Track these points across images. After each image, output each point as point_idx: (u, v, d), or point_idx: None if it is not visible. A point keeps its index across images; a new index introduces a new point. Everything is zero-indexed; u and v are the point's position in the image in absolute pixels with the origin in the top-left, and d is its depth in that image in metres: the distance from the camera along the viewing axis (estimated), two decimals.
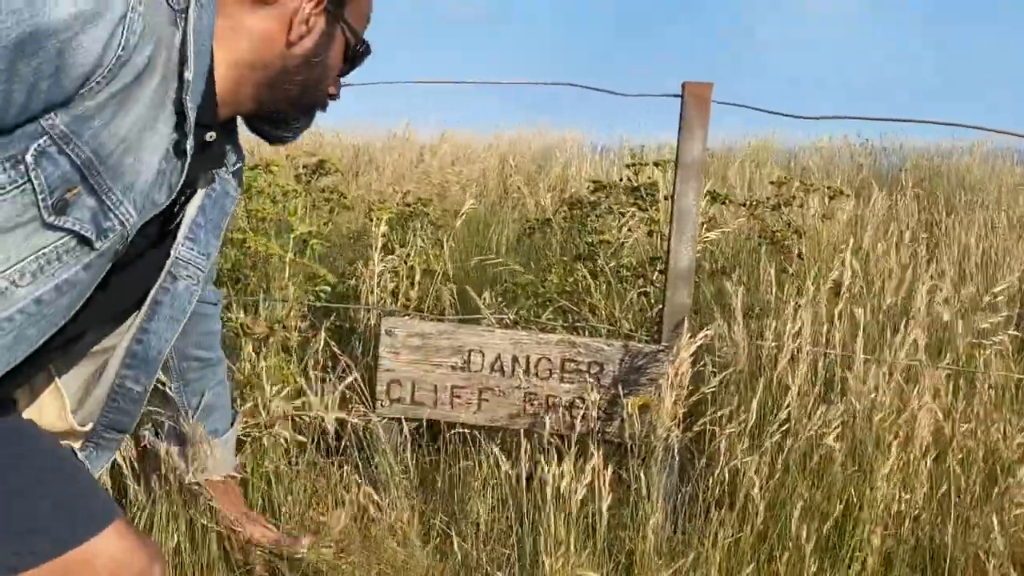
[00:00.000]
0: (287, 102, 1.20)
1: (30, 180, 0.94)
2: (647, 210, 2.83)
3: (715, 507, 1.88)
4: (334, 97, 1.28)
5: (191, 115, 1.06)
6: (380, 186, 4.28)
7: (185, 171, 1.10)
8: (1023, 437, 1.79)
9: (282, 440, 2.19)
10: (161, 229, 1.20)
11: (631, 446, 2.06)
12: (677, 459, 2.05)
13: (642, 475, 1.92)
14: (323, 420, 2.30)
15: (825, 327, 2.08)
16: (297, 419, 2.30)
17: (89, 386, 1.27)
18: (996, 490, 1.74)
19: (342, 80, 1.29)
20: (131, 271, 1.17)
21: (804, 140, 9.43)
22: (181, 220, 1.23)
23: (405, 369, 2.28)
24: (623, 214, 2.86)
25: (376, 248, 2.66)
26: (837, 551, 1.76)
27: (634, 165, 2.90)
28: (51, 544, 1.15)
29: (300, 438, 2.11)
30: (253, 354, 2.30)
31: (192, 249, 1.26)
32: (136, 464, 1.88)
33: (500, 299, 2.77)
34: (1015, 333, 2.15)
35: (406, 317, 2.47)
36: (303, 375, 2.15)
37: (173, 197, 1.11)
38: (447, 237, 3.04)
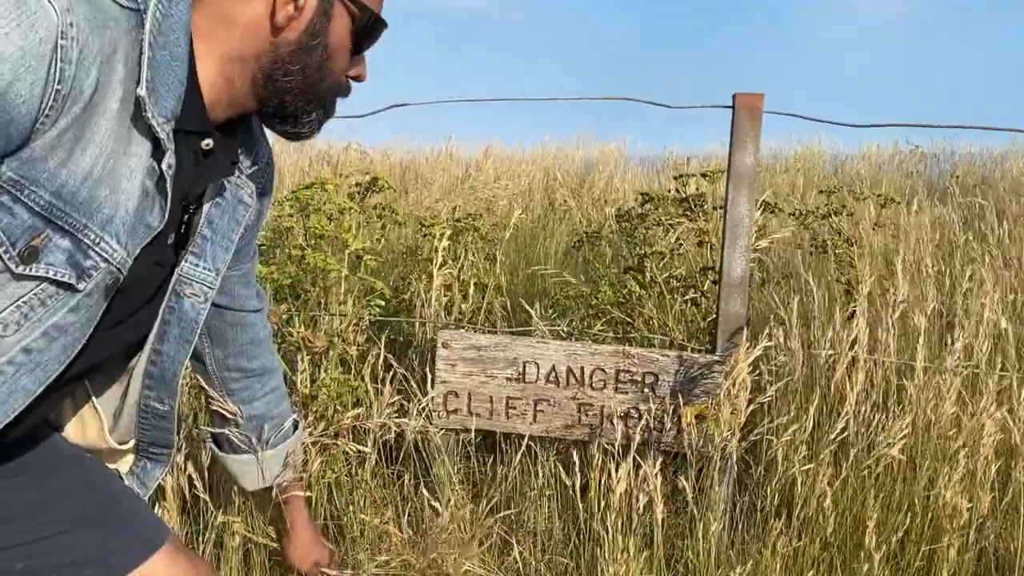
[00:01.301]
0: (291, 94, 1.06)
1: None
2: (696, 221, 2.84)
3: (773, 516, 1.89)
4: (358, 79, 1.13)
5: (161, 133, 0.94)
6: (429, 202, 4.36)
7: (171, 191, 0.99)
8: None
9: (344, 451, 2.25)
10: (176, 246, 1.14)
11: (688, 456, 2.08)
12: (735, 468, 2.06)
13: (700, 484, 1.94)
14: (383, 431, 2.35)
15: (882, 335, 2.07)
16: (358, 430, 2.36)
17: (119, 405, 1.24)
18: None
19: (366, 58, 1.13)
20: (142, 290, 1.11)
21: (851, 148, 9.35)
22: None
23: (461, 381, 2.32)
24: (672, 225, 2.88)
25: (436, 263, 2.71)
26: (899, 560, 1.75)
27: (681, 177, 2.93)
28: (105, 571, 1.17)
29: (362, 448, 2.15)
30: (314, 367, 2.36)
31: (197, 265, 1.17)
32: (207, 473, 1.94)
33: (551, 311, 2.80)
34: None
35: (461, 330, 2.52)
36: (363, 386, 2.20)
37: (168, 214, 1.01)
38: (498, 250, 3.08)
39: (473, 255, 3.18)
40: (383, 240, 3.35)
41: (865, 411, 1.85)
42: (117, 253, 0.95)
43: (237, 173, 1.17)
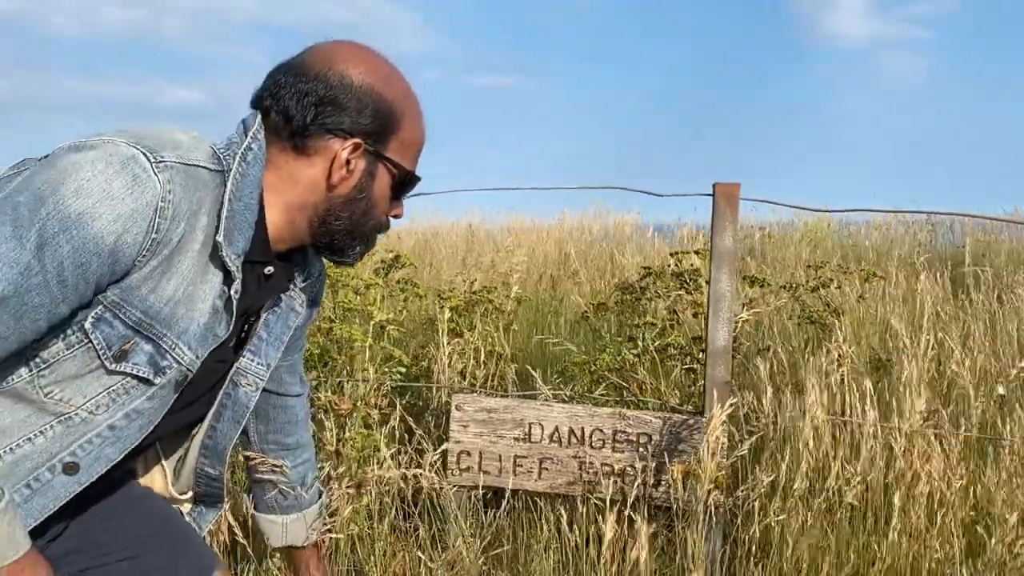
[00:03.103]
0: (340, 233, 1.29)
1: (91, 341, 1.13)
2: (692, 293, 3.09)
3: (752, 562, 2.09)
4: (397, 216, 1.37)
5: (232, 266, 1.18)
6: (449, 275, 4.65)
7: (236, 309, 1.23)
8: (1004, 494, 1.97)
9: (367, 505, 2.49)
10: (237, 345, 1.37)
11: (674, 508, 2.29)
12: (717, 519, 2.27)
13: (686, 534, 2.15)
14: (401, 487, 2.59)
15: (848, 398, 2.30)
16: (378, 488, 2.59)
17: (181, 466, 1.50)
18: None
19: (403, 200, 1.36)
20: (206, 380, 1.35)
21: (862, 218, 9.53)
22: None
23: (473, 441, 2.56)
24: (670, 297, 3.13)
25: (443, 333, 2.98)
26: None
27: (677, 254, 3.19)
28: None
29: (383, 500, 2.38)
30: (339, 429, 2.62)
31: (252, 360, 1.41)
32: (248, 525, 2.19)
33: (558, 377, 3.04)
34: None
35: (473, 394, 2.76)
36: (384, 445, 2.44)
37: (233, 326, 1.25)
38: (508, 323, 3.34)
39: (487, 325, 3.44)
40: (405, 311, 3.64)
41: (826, 466, 2.06)
42: (187, 357, 1.21)
43: (291, 286, 1.42)
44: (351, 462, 2.42)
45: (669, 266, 3.30)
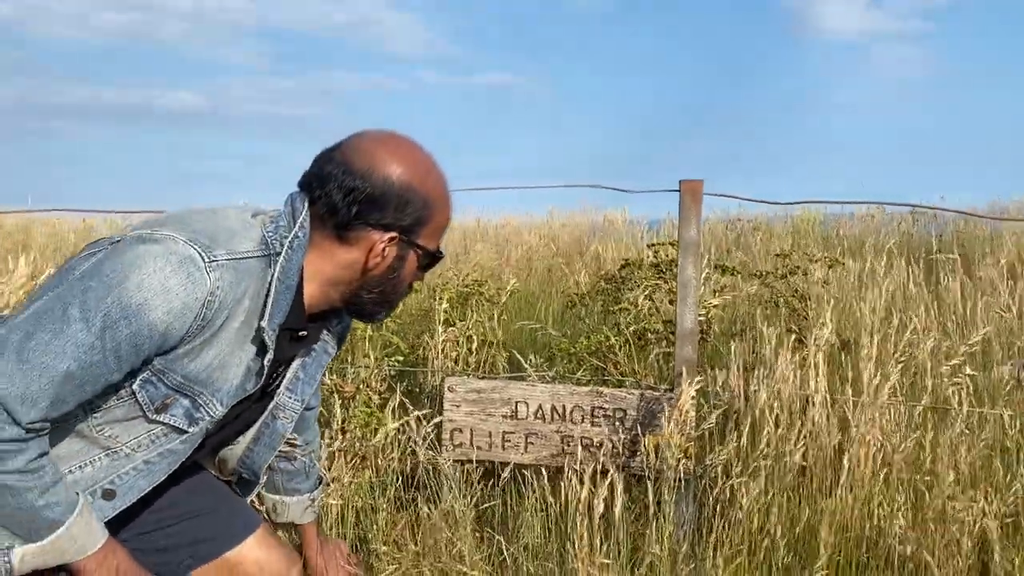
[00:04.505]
0: (370, 303, 1.47)
1: (135, 397, 1.32)
2: (668, 282, 3.32)
3: (717, 521, 2.33)
4: (420, 281, 1.55)
5: (269, 341, 1.35)
6: (442, 269, 4.88)
7: (267, 371, 1.40)
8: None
9: (368, 479, 2.72)
10: (263, 391, 1.51)
11: (649, 476, 2.52)
12: (688, 484, 2.50)
13: (660, 499, 2.38)
14: (401, 462, 2.83)
15: (811, 372, 2.53)
16: (380, 468, 2.83)
17: (222, 466, 1.71)
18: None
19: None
20: (242, 417, 1.54)
21: (847, 210, 9.75)
22: (280, 384, 1.58)
23: (464, 419, 2.80)
24: (648, 287, 3.36)
25: (439, 323, 3.21)
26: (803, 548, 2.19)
27: (654, 245, 3.42)
28: (212, 549, 1.66)
29: (384, 475, 2.61)
30: (343, 410, 2.85)
31: (291, 397, 1.60)
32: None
33: (545, 361, 3.28)
34: (972, 373, 2.57)
35: (464, 376, 3.00)
36: (384, 418, 2.67)
37: (262, 383, 1.43)
38: (499, 312, 3.57)
39: (479, 316, 3.68)
40: (402, 304, 3.87)
41: (781, 434, 2.30)
42: (218, 411, 1.40)
43: (325, 333, 1.60)
44: (355, 439, 2.66)
45: (647, 257, 3.53)
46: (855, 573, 2.26)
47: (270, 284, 1.34)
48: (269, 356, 1.39)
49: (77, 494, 1.32)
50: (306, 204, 1.39)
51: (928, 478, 2.26)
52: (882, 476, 2.22)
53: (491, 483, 2.89)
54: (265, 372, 1.42)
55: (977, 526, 2.19)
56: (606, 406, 2.70)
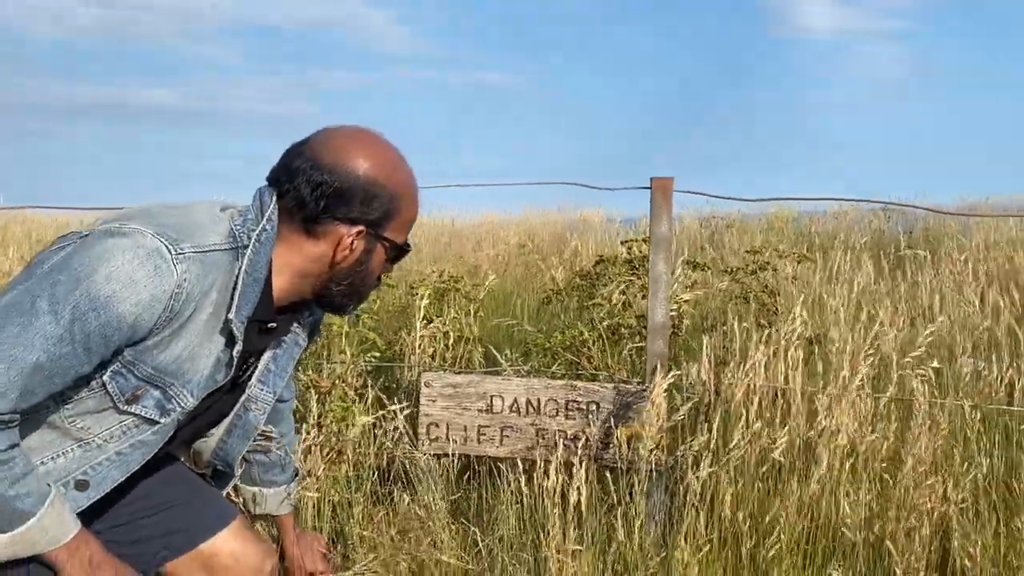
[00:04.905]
0: (339, 295, 1.49)
1: (106, 388, 1.34)
2: (642, 278, 3.38)
3: (688, 512, 2.38)
4: (389, 272, 1.58)
5: (237, 333, 1.37)
6: (420, 267, 4.91)
7: (236, 362, 1.42)
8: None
9: (344, 473, 2.75)
10: (235, 383, 1.53)
11: (619, 467, 2.57)
12: (660, 475, 2.55)
13: (629, 489, 2.43)
14: (377, 457, 2.86)
15: (782, 366, 2.59)
16: (358, 464, 2.86)
17: (197, 458, 1.73)
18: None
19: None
20: (214, 409, 1.55)
21: (820, 207, 9.88)
22: (251, 375, 1.58)
23: (441, 414, 2.83)
24: (622, 282, 3.41)
25: (418, 318, 3.24)
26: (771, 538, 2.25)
27: (627, 242, 3.47)
28: (187, 540, 1.68)
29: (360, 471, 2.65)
30: (319, 405, 2.88)
31: (262, 389, 1.61)
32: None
33: (521, 357, 3.32)
34: (936, 366, 2.64)
35: (440, 371, 3.04)
36: (362, 414, 2.71)
37: (233, 374, 1.44)
38: (476, 309, 3.61)
39: (456, 312, 3.71)
40: (379, 301, 3.89)
41: (756, 427, 2.36)
42: (189, 402, 1.42)
43: (295, 325, 1.61)
44: (331, 433, 2.69)
45: (621, 254, 3.58)
46: (821, 560, 2.33)
47: (238, 276, 1.36)
48: (238, 348, 1.41)
49: (49, 485, 1.34)
50: (274, 198, 1.41)
51: (891, 466, 2.32)
52: (848, 466, 2.28)
53: (467, 476, 2.93)
54: (235, 363, 1.44)
55: (936, 513, 2.26)
56: (580, 399, 2.74)
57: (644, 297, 3.42)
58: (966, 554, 2.18)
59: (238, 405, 1.62)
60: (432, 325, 3.40)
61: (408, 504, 2.61)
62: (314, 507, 2.73)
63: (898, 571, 2.16)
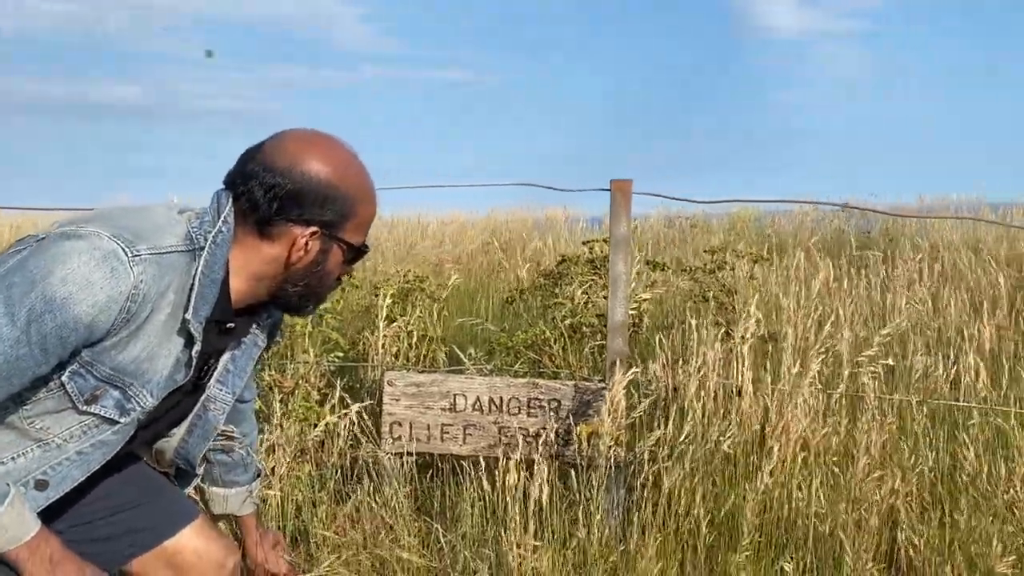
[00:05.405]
0: (296, 296, 1.50)
1: (65, 389, 1.35)
2: (603, 278, 3.43)
3: (646, 506, 2.44)
4: (348, 275, 1.62)
5: (196, 333, 1.38)
6: (385, 267, 4.93)
7: (195, 363, 1.43)
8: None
9: (308, 472, 2.77)
10: (195, 384, 1.54)
11: (582, 463, 2.62)
12: (618, 470, 2.60)
13: (588, 485, 2.48)
14: (340, 456, 2.88)
15: (735, 364, 2.66)
16: (321, 462, 2.87)
17: (163, 457, 1.74)
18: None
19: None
20: (175, 410, 1.56)
21: (783, 208, 10.03)
22: (211, 375, 1.59)
23: (404, 413, 2.86)
24: (585, 282, 3.47)
25: (381, 318, 3.26)
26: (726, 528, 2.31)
27: (589, 242, 3.52)
28: (151, 538, 1.69)
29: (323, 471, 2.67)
30: (282, 405, 2.89)
31: (221, 390, 1.61)
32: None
33: (485, 356, 3.36)
34: (889, 363, 2.73)
35: (404, 371, 3.06)
36: (324, 413, 2.72)
37: (192, 375, 1.45)
38: (440, 308, 3.64)
39: (420, 311, 3.74)
40: (342, 301, 3.90)
41: (707, 421, 2.42)
42: (148, 402, 1.42)
43: (256, 325, 1.62)
44: (294, 433, 2.70)
45: (584, 254, 3.63)
46: (775, 552, 2.39)
47: (194, 278, 1.38)
48: (197, 348, 1.42)
49: (8, 485, 1.35)
50: (230, 201, 1.43)
51: (842, 460, 2.40)
52: (801, 459, 2.35)
53: (430, 474, 2.96)
54: (194, 364, 1.46)
55: (886, 504, 2.33)
56: (542, 397, 2.79)
57: (606, 296, 3.48)
58: (911, 545, 2.26)
59: (198, 406, 1.63)
60: (395, 325, 3.42)
61: (371, 503, 2.63)
62: (278, 506, 2.75)
63: (848, 562, 2.24)
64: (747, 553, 2.31)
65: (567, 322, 3.06)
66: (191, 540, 1.72)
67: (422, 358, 3.42)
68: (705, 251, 3.80)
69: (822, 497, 2.41)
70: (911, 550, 2.25)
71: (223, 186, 1.47)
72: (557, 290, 3.68)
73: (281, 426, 2.71)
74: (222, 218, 1.42)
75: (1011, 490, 2.33)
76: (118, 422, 1.43)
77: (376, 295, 3.50)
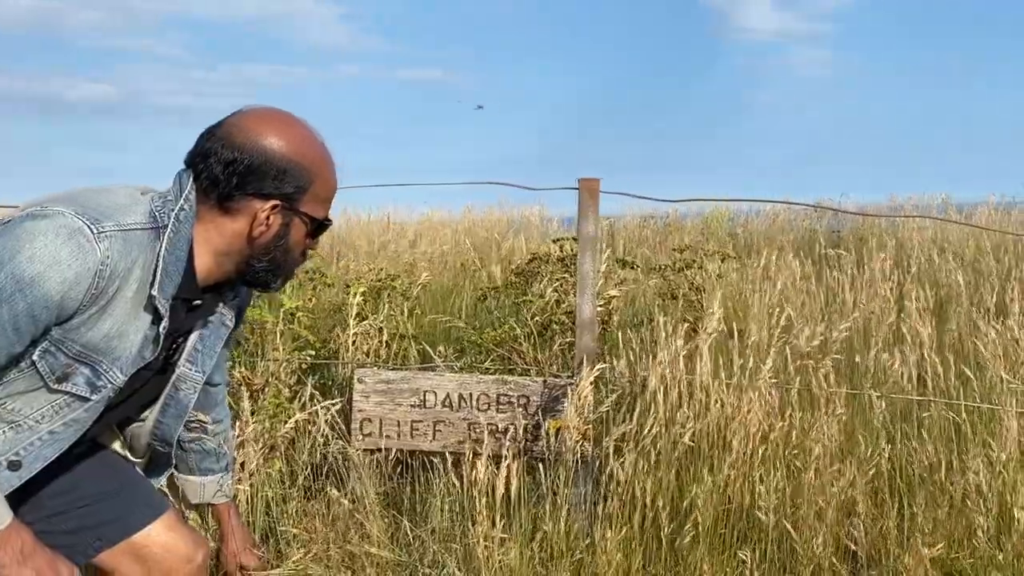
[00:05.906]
0: (262, 271, 1.53)
1: (36, 367, 1.37)
2: (573, 275, 3.47)
3: (611, 499, 2.48)
4: (312, 249, 1.62)
5: (162, 309, 1.42)
6: (357, 266, 4.94)
7: (163, 339, 1.46)
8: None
9: (278, 469, 2.79)
10: (165, 362, 1.58)
11: (550, 458, 2.65)
12: (585, 464, 2.65)
13: (556, 480, 2.52)
14: (311, 453, 2.90)
15: (696, 360, 2.70)
16: (290, 458, 2.89)
17: (136, 444, 1.78)
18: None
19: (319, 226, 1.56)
20: (147, 388, 1.60)
21: (754, 207, 10.14)
22: (180, 354, 1.63)
23: (374, 409, 2.88)
24: (556, 279, 3.51)
25: (351, 315, 3.28)
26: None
27: (559, 240, 3.56)
28: (119, 531, 1.71)
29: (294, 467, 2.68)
30: (252, 402, 2.90)
31: (191, 369, 1.65)
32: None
33: (456, 353, 3.39)
34: (838, 357, 2.79)
35: (374, 368, 3.09)
36: (293, 410, 2.74)
37: (160, 350, 1.47)
38: (412, 306, 3.66)
39: (392, 309, 3.76)
40: (315, 299, 3.92)
41: (671, 415, 2.47)
42: (119, 379, 1.46)
43: (221, 305, 1.65)
44: (264, 430, 2.71)
45: (554, 252, 3.67)
46: (735, 543, 2.44)
47: (159, 255, 1.40)
48: (164, 324, 1.45)
49: None
50: (191, 179, 1.46)
51: (801, 453, 2.46)
52: (760, 453, 2.40)
53: (400, 470, 2.99)
54: (161, 341, 1.48)
55: (844, 496, 2.39)
56: (511, 393, 2.82)
57: (576, 294, 3.52)
58: (869, 536, 2.32)
59: (169, 385, 1.66)
60: (366, 322, 3.44)
61: (340, 498, 2.65)
62: (248, 503, 2.76)
63: (806, 552, 2.30)
64: (708, 544, 2.36)
65: (536, 320, 3.10)
66: (160, 534, 1.74)
67: (394, 356, 3.45)
68: (674, 249, 3.86)
69: (784, 489, 2.47)
70: (868, 541, 2.32)
71: (184, 166, 1.50)
72: (528, 288, 3.72)
73: (250, 423, 2.72)
74: (184, 196, 1.45)
75: (964, 482, 2.40)
76: (89, 399, 1.45)
77: (348, 293, 3.52)
